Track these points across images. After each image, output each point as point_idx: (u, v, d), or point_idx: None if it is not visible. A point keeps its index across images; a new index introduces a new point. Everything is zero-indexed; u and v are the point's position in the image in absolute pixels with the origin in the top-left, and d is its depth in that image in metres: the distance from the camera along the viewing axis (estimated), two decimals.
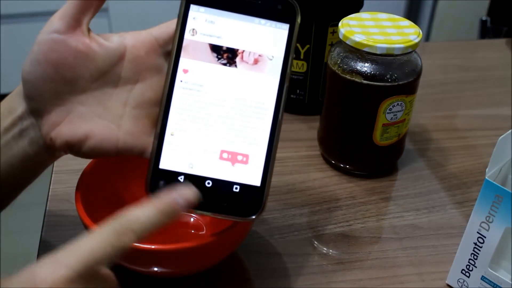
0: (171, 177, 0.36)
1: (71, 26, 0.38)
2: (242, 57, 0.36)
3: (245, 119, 0.36)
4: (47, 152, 0.41)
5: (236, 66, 0.36)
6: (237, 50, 0.36)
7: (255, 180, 0.36)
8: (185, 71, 0.37)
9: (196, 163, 0.36)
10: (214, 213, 0.36)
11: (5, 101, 0.41)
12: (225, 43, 0.36)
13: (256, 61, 0.36)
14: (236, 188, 0.36)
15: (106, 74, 0.39)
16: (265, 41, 0.36)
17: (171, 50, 0.37)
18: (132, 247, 0.39)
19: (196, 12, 0.37)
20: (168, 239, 0.50)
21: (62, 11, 0.38)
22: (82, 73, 0.38)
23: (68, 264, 0.29)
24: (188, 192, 0.34)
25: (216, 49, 0.37)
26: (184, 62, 0.37)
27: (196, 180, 0.36)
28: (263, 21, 0.36)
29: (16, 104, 0.40)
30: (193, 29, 0.37)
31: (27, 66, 0.38)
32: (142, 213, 0.33)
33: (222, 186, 0.36)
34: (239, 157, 0.35)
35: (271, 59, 0.36)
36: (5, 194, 0.43)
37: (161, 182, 0.36)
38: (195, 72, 0.37)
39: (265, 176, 0.36)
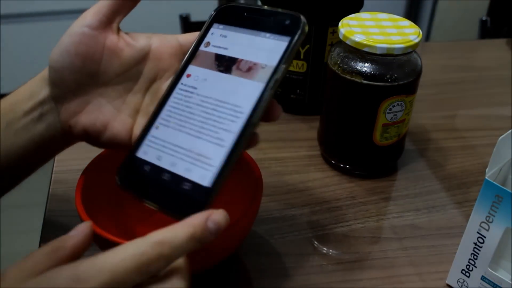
0: (139, 164, 0.38)
1: (102, 23, 0.40)
2: (238, 65, 0.38)
3: (219, 120, 0.36)
4: (62, 138, 0.42)
5: (230, 73, 0.38)
6: (237, 59, 0.38)
7: (207, 181, 0.35)
8: (188, 75, 0.40)
9: (164, 156, 0.37)
10: (161, 207, 0.36)
11: (26, 85, 0.42)
12: (228, 53, 0.39)
13: (249, 69, 0.37)
14: (188, 186, 0.36)
15: (129, 71, 0.41)
16: (264, 51, 0.37)
17: (184, 57, 0.41)
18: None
19: (216, 29, 0.40)
20: None
21: (96, 7, 0.40)
22: (107, 68, 0.41)
23: (89, 282, 0.28)
24: (219, 217, 0.32)
25: (219, 58, 0.39)
26: (190, 68, 0.40)
27: (156, 171, 0.37)
28: (268, 34, 0.38)
29: (38, 89, 0.41)
30: (208, 42, 0.40)
31: (55, 54, 0.40)
32: (175, 237, 0.31)
33: (177, 181, 0.36)
34: (201, 157, 0.36)
35: (263, 68, 0.37)
36: (13, 176, 0.44)
37: (131, 167, 0.38)
38: (195, 77, 0.39)
39: (218, 178, 0.35)
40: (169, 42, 0.42)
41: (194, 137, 0.37)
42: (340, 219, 0.53)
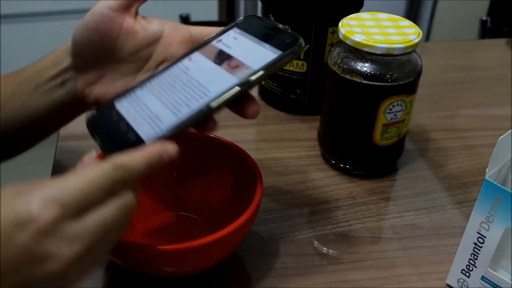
0: (111, 109, 0.43)
1: (122, 6, 0.45)
2: (230, 62, 0.42)
3: (188, 97, 0.41)
4: (78, 105, 0.48)
5: (221, 65, 0.42)
6: (232, 57, 0.43)
7: (147, 137, 0.40)
8: (190, 59, 0.44)
9: (132, 111, 0.42)
10: (105, 149, 0.41)
11: (51, 55, 0.48)
12: (229, 51, 0.43)
13: (236, 66, 0.42)
14: (132, 138, 0.40)
15: (141, 51, 0.46)
16: (255, 57, 0.42)
17: (197, 44, 0.45)
18: (134, 247, 0.39)
19: (232, 31, 0.45)
20: (168, 239, 0.50)
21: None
22: (122, 46, 0.45)
23: (63, 202, 0.31)
24: (171, 150, 0.36)
25: (220, 53, 0.43)
26: (195, 54, 0.44)
27: (118, 119, 0.42)
28: (267, 45, 0.42)
29: (62, 58, 0.47)
30: (221, 39, 0.45)
31: (78, 29, 0.45)
32: (135, 163, 0.35)
33: (128, 131, 0.41)
34: (156, 119, 0.41)
35: (246, 68, 0.41)
36: (32, 136, 0.51)
37: (104, 109, 0.43)
38: (194, 61, 0.44)
39: (157, 139, 0.39)
40: (181, 31, 0.46)
41: (162, 103, 0.42)
42: (340, 219, 0.53)
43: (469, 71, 0.83)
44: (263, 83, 0.70)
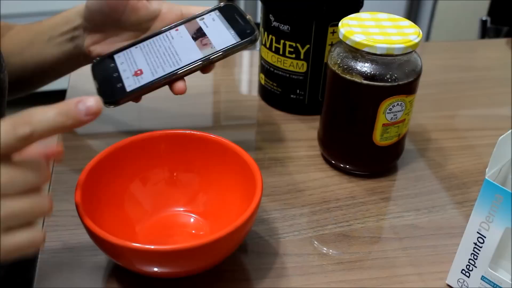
0: (110, 59, 0.55)
1: None
2: (202, 39, 0.54)
3: (165, 61, 0.53)
4: (84, 57, 0.58)
5: (195, 40, 0.54)
6: (205, 34, 0.55)
7: (130, 87, 0.52)
8: (176, 29, 0.56)
9: (125, 63, 0.55)
10: (98, 91, 0.53)
11: (64, 13, 0.59)
12: (205, 29, 0.55)
13: (205, 44, 0.54)
14: (119, 85, 0.52)
15: (141, 24, 0.57)
16: (222, 39, 0.53)
17: (186, 18, 0.57)
18: (133, 247, 0.39)
19: (213, 13, 0.57)
20: (168, 240, 0.50)
21: None
22: (126, 18, 0.56)
23: None
24: (90, 100, 0.36)
25: (198, 30, 0.55)
26: (182, 27, 0.56)
27: (113, 68, 0.54)
28: (233, 32, 0.54)
29: (74, 18, 0.58)
30: (203, 17, 0.57)
31: None
32: (43, 110, 0.35)
33: (117, 79, 0.53)
34: (140, 73, 0.53)
35: (212, 48, 0.53)
36: (43, 78, 0.64)
37: (104, 58, 0.56)
38: (179, 33, 0.56)
39: (137, 89, 0.52)
40: (175, 10, 0.57)
41: (147, 63, 0.54)
42: (340, 219, 0.53)
43: (469, 71, 0.83)
44: (263, 83, 0.70)
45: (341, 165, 0.59)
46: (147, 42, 0.56)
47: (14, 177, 0.34)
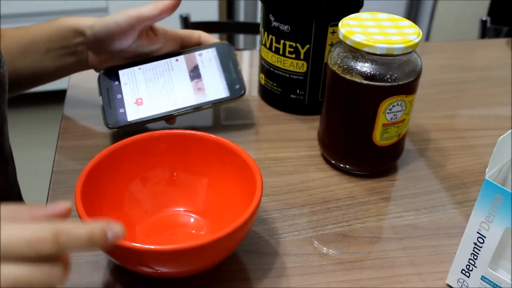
0: (114, 76, 0.62)
1: (136, 27, 0.59)
2: (197, 81, 0.62)
3: (162, 98, 0.61)
4: (87, 66, 0.63)
5: (191, 80, 0.62)
6: (200, 76, 0.62)
7: (131, 118, 0.60)
8: (177, 60, 0.63)
9: (127, 86, 0.62)
10: (103, 105, 0.61)
11: (58, 24, 0.60)
12: (201, 68, 0.63)
13: (199, 89, 0.62)
14: (120, 99, 0.61)
15: (144, 54, 0.63)
16: (213, 89, 0.62)
17: (186, 49, 0.64)
18: (133, 247, 0.39)
19: (213, 50, 0.64)
20: (168, 240, 0.50)
21: (133, 13, 0.58)
22: (131, 49, 0.61)
23: None
24: (118, 230, 0.35)
25: (195, 67, 0.63)
26: (181, 56, 0.63)
27: (116, 83, 0.61)
28: (224, 82, 0.62)
29: (74, 34, 0.60)
30: (201, 53, 0.64)
31: (98, 27, 0.58)
32: (75, 231, 0.33)
33: (118, 94, 0.61)
34: (139, 100, 0.61)
35: (204, 96, 0.61)
36: (41, 82, 0.64)
37: (111, 75, 0.62)
38: (179, 63, 0.63)
39: (136, 122, 0.59)
40: (176, 44, 0.64)
41: (148, 93, 0.61)
42: (340, 219, 0.53)
43: (469, 71, 0.83)
44: (263, 83, 0.70)
45: (341, 165, 0.59)
46: (150, 65, 0.62)
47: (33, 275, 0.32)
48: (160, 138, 0.50)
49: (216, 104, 0.61)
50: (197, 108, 0.60)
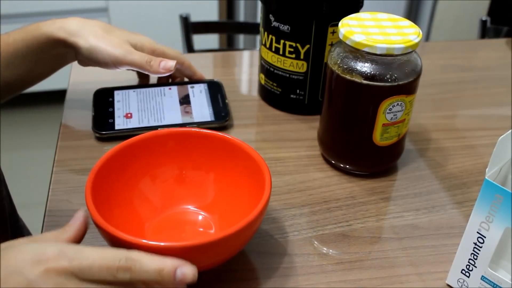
0: (109, 96, 0.67)
1: (115, 65, 0.62)
2: (186, 106, 0.66)
3: (152, 114, 0.65)
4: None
5: (181, 105, 0.66)
6: (190, 103, 0.67)
7: (118, 126, 0.63)
8: (170, 88, 0.69)
9: (120, 102, 0.66)
10: (94, 121, 0.64)
11: (45, 32, 0.59)
12: (191, 98, 0.68)
13: (187, 112, 0.65)
14: (111, 122, 0.63)
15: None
16: (200, 113, 0.65)
17: (180, 81, 0.71)
18: (139, 244, 0.39)
19: (203, 86, 0.70)
20: (176, 237, 0.50)
21: (122, 57, 0.61)
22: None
23: (71, 260, 0.35)
24: (187, 270, 0.37)
25: (186, 96, 0.68)
26: (174, 87, 0.69)
27: (110, 104, 0.66)
28: (211, 109, 0.66)
29: (63, 45, 0.60)
30: (194, 86, 0.70)
31: (101, 50, 0.60)
32: (147, 263, 0.37)
33: (110, 117, 0.64)
34: (129, 114, 0.64)
35: (191, 118, 0.65)
36: (32, 84, 0.65)
37: (106, 94, 0.67)
38: (171, 92, 0.69)
39: (125, 129, 0.63)
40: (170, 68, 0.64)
41: (138, 109, 0.65)
42: (340, 219, 0.53)
43: (469, 71, 0.83)
44: (263, 83, 0.70)
45: (341, 165, 0.59)
46: (144, 90, 0.68)
47: None
48: (168, 136, 0.51)
49: (200, 125, 0.63)
50: (183, 125, 0.63)
